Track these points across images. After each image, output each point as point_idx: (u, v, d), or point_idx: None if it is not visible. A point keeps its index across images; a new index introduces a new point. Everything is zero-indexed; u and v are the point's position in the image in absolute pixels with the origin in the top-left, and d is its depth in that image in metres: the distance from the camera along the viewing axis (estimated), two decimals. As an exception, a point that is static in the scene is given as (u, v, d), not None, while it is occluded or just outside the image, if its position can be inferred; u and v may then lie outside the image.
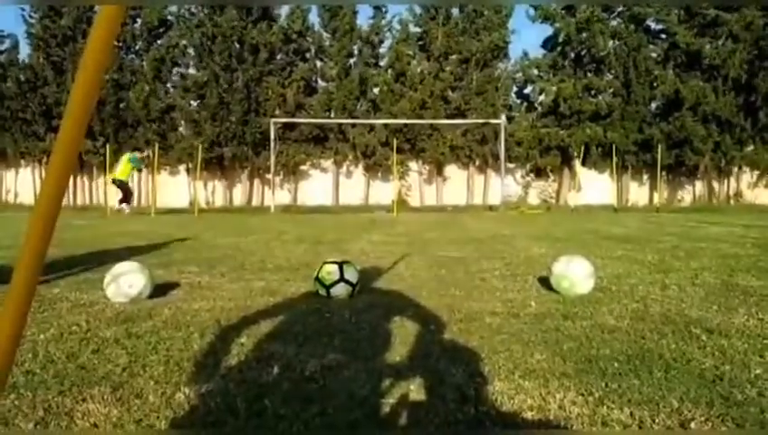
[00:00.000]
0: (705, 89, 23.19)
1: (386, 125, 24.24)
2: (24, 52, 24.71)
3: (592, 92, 25.13)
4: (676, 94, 23.42)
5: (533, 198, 25.74)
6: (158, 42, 25.25)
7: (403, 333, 2.34)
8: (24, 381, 1.75)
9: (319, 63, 26.22)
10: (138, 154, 17.08)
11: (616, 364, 1.92)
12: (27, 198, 24.69)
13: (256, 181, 26.72)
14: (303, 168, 26.38)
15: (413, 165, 26.15)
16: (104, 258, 5.02)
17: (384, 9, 25.78)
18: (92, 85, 0.50)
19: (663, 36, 24.90)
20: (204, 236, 7.89)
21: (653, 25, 24.90)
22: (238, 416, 1.49)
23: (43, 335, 2.30)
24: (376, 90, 25.68)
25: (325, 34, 26.00)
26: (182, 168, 26.05)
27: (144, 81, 24.79)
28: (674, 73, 24.15)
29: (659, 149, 20.77)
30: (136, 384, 1.73)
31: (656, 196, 22.75)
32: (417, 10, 25.55)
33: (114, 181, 15.71)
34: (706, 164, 23.83)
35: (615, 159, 21.27)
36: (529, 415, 1.51)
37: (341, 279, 3.09)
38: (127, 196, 15.65)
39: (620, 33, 24.32)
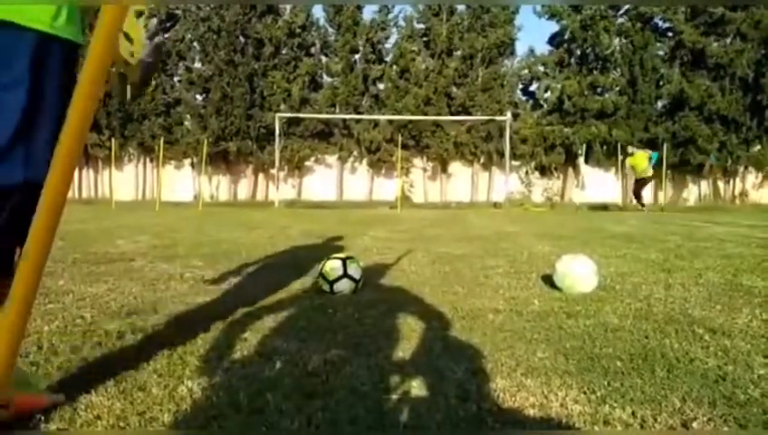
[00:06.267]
0: (711, 88, 23.08)
1: (390, 121, 24.22)
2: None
3: (598, 90, 25.05)
4: (681, 93, 23.33)
5: (538, 196, 25.69)
6: (165, 35, 25.23)
7: (406, 330, 2.34)
8: (28, 373, 1.76)
9: (324, 59, 26.21)
10: None
11: (618, 363, 1.91)
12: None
13: (261, 176, 26.75)
14: (308, 163, 26.40)
15: (417, 161, 26.14)
16: (109, 252, 5.04)
17: (390, 6, 25.75)
18: (96, 82, 0.50)
19: (669, 35, 24.78)
20: (208, 230, 7.91)
21: (659, 24, 24.78)
22: (240, 410, 1.50)
23: (48, 327, 2.31)
24: (380, 85, 25.65)
25: (330, 29, 25.98)
26: (187, 162, 26.12)
27: (150, 74, 24.78)
28: (680, 72, 24.04)
29: (664, 148, 20.70)
30: (139, 377, 1.74)
31: (660, 195, 22.69)
32: (421, 6, 25.50)
33: None
34: (711, 163, 23.74)
35: (620, 157, 21.20)
36: (531, 413, 1.51)
37: (345, 275, 3.09)
38: None
39: (627, 32, 24.21)
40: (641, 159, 15.63)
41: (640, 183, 15.89)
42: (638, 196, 15.99)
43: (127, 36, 1.45)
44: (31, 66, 1.23)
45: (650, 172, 15.69)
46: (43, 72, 1.26)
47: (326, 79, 26.42)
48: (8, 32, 1.20)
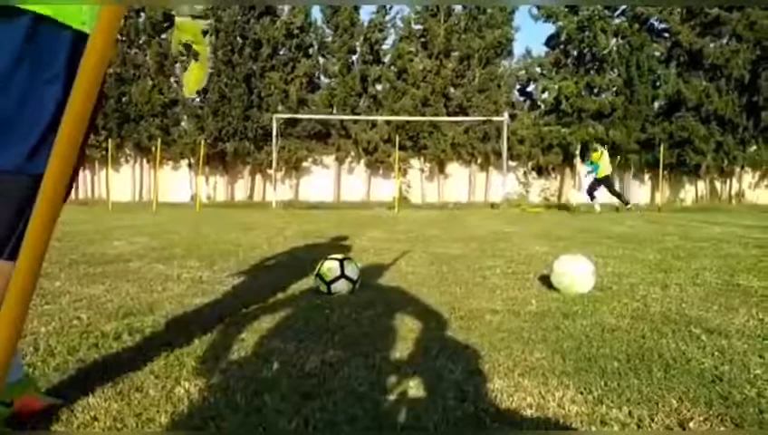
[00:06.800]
0: (708, 88, 23.13)
1: (388, 122, 24.21)
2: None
3: (595, 91, 25.09)
4: (678, 94, 23.37)
5: (535, 197, 25.71)
6: (162, 36, 25.22)
7: (403, 330, 2.34)
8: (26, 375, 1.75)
9: (321, 60, 26.20)
10: None
11: (615, 363, 1.92)
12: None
13: (258, 177, 26.71)
14: (305, 164, 26.36)
15: (415, 162, 26.12)
16: (106, 253, 5.03)
17: (388, 7, 25.76)
18: (93, 84, 0.50)
19: (666, 35, 24.83)
20: (205, 231, 7.90)
21: (656, 24, 24.83)
22: (238, 411, 1.50)
23: (44, 329, 2.31)
24: (378, 86, 25.64)
25: (327, 30, 25.98)
26: (184, 162, 26.05)
27: (147, 75, 24.77)
28: (676, 73, 24.08)
29: (661, 149, 20.72)
30: (136, 378, 1.74)
31: (657, 195, 22.71)
32: (418, 7, 25.50)
33: None
34: (708, 164, 23.79)
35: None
36: (528, 413, 1.52)
37: (342, 275, 3.09)
38: None
39: (623, 32, 24.25)
40: (601, 158, 16.14)
41: (598, 182, 16.22)
42: (615, 195, 16.35)
43: (189, 48, 1.47)
44: (67, 63, 1.28)
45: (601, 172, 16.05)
46: (73, 71, 1.27)
47: (324, 80, 26.39)
48: (51, 29, 1.24)
